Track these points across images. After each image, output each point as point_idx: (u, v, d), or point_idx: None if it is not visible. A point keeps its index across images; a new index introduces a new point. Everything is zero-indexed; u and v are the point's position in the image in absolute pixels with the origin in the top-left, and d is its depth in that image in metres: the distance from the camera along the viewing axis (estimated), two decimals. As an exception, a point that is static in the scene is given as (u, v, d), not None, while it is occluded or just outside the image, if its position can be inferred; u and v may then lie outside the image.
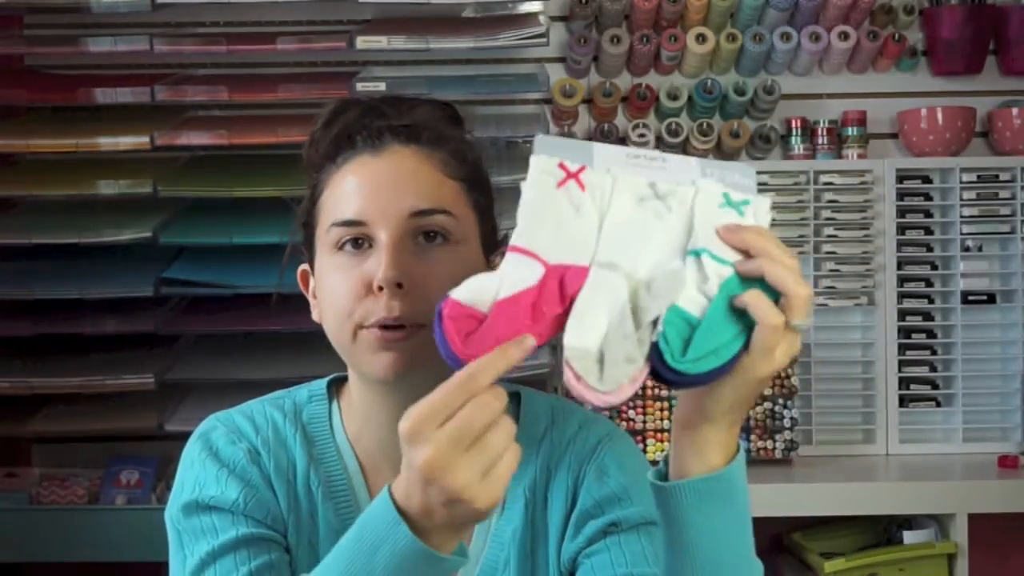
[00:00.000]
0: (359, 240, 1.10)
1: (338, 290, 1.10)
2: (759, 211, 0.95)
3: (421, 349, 1.08)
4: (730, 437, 0.96)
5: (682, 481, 0.95)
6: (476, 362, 0.87)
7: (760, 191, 0.96)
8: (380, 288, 1.07)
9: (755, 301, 0.89)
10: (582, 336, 0.89)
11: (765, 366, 0.91)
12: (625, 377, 0.89)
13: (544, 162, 0.93)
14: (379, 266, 1.07)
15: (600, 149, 0.94)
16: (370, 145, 1.13)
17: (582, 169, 0.93)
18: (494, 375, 0.87)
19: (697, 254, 0.91)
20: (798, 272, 0.91)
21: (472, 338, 0.88)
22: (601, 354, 0.89)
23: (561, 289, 0.90)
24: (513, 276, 0.90)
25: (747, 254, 0.91)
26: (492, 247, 1.19)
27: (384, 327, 1.08)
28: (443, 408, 0.86)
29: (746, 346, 0.91)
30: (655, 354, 0.89)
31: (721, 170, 0.95)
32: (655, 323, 0.90)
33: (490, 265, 1.18)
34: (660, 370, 0.89)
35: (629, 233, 0.92)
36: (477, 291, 0.90)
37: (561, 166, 0.92)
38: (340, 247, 1.11)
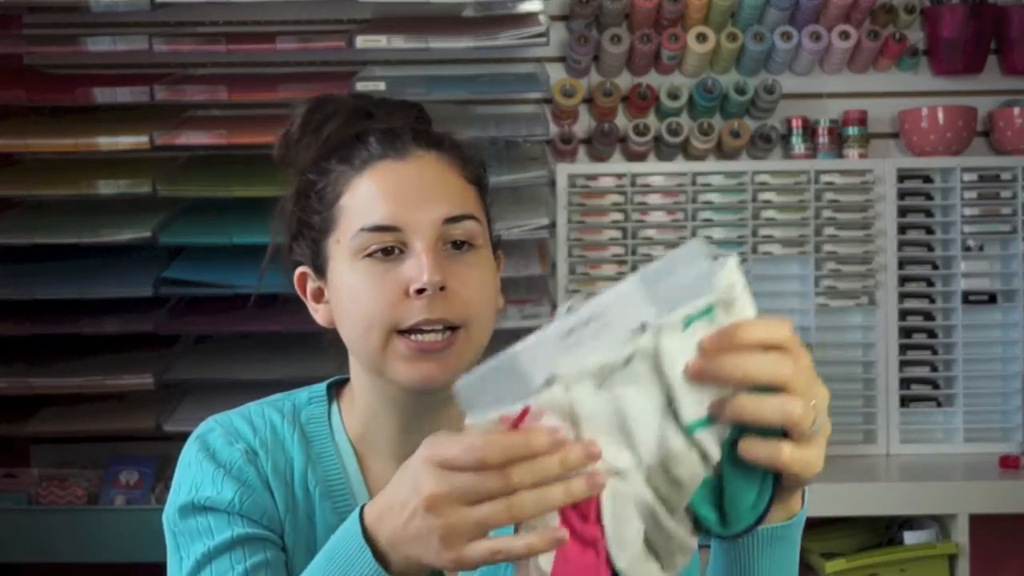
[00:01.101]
0: (390, 246, 1.10)
1: (367, 295, 1.09)
2: (727, 297, 0.83)
3: (457, 358, 1.09)
4: (799, 491, 0.96)
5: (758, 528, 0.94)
6: (530, 437, 0.81)
7: (728, 257, 0.84)
8: (419, 292, 1.07)
9: (751, 453, 0.83)
10: (629, 554, 0.83)
11: (810, 471, 0.86)
12: (684, 558, 0.86)
13: (483, 425, 0.81)
14: (421, 271, 1.07)
15: (527, 356, 0.80)
16: (392, 149, 1.13)
17: (526, 411, 0.80)
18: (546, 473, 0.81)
19: (691, 431, 0.82)
20: (779, 366, 0.82)
21: None
22: (651, 548, 0.84)
23: (582, 516, 0.83)
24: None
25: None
26: (496, 249, 1.20)
27: (421, 332, 1.08)
28: (474, 461, 0.82)
29: (779, 475, 0.85)
30: (699, 523, 0.85)
31: (669, 276, 0.81)
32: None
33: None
34: (713, 536, 0.86)
35: (610, 429, 0.82)
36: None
37: (503, 419, 0.81)
38: (369, 253, 1.10)
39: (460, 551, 0.84)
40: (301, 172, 1.18)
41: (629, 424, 0.82)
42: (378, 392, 1.15)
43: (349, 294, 1.11)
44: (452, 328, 1.09)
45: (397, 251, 1.10)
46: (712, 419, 0.83)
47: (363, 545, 0.90)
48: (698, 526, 0.86)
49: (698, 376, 0.81)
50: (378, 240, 1.09)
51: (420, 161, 1.13)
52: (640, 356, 0.81)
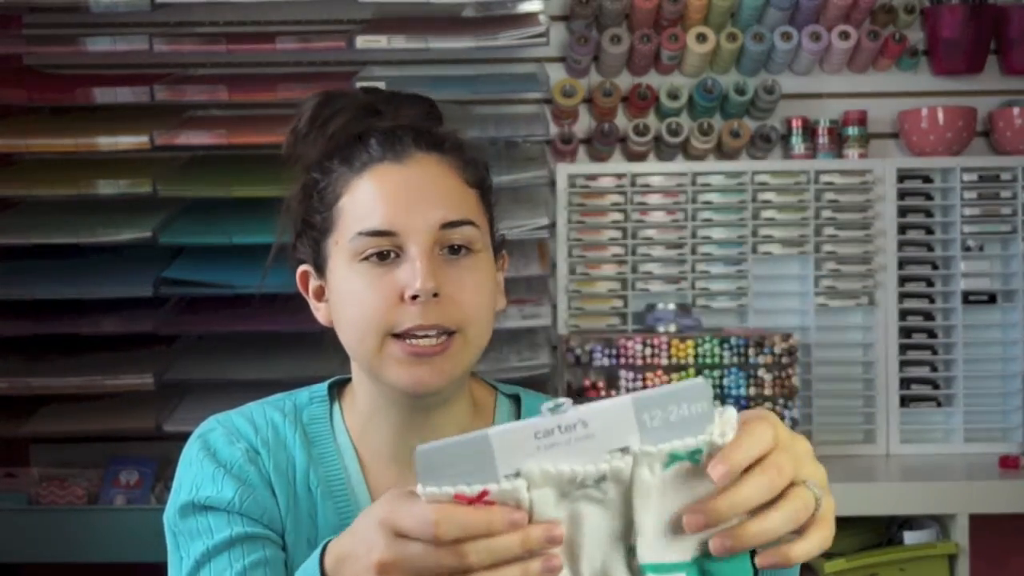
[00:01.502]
0: (387, 250, 1.10)
1: (364, 299, 1.09)
2: (719, 444, 0.79)
3: (452, 362, 1.09)
4: None
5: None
6: (490, 515, 0.77)
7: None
8: (413, 297, 1.07)
9: (768, 563, 0.81)
10: None
11: (823, 549, 0.83)
12: None
13: (436, 497, 0.77)
14: (415, 276, 1.07)
15: (500, 442, 0.76)
16: (391, 151, 1.12)
17: (484, 493, 0.77)
18: (503, 553, 0.78)
19: (643, 572, 0.79)
20: (771, 482, 0.79)
21: None
22: None
23: None
24: None
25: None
26: (498, 250, 1.20)
27: (416, 337, 1.07)
28: (428, 536, 0.78)
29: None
30: None
31: (664, 407, 0.78)
32: None
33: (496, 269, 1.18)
34: None
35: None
36: None
37: (458, 497, 0.77)
38: (366, 256, 1.10)
39: None
40: (306, 169, 1.17)
41: (579, 540, 0.79)
42: (377, 393, 1.15)
43: (346, 297, 1.11)
44: (448, 333, 1.08)
45: (393, 255, 1.09)
46: (679, 565, 0.80)
47: None
48: None
49: (698, 527, 0.78)
50: (374, 244, 1.09)
51: (419, 164, 1.12)
52: (612, 478, 0.78)
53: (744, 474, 0.79)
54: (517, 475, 0.77)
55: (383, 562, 0.81)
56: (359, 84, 2.57)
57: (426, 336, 1.08)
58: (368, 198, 1.11)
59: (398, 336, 1.08)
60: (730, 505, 0.78)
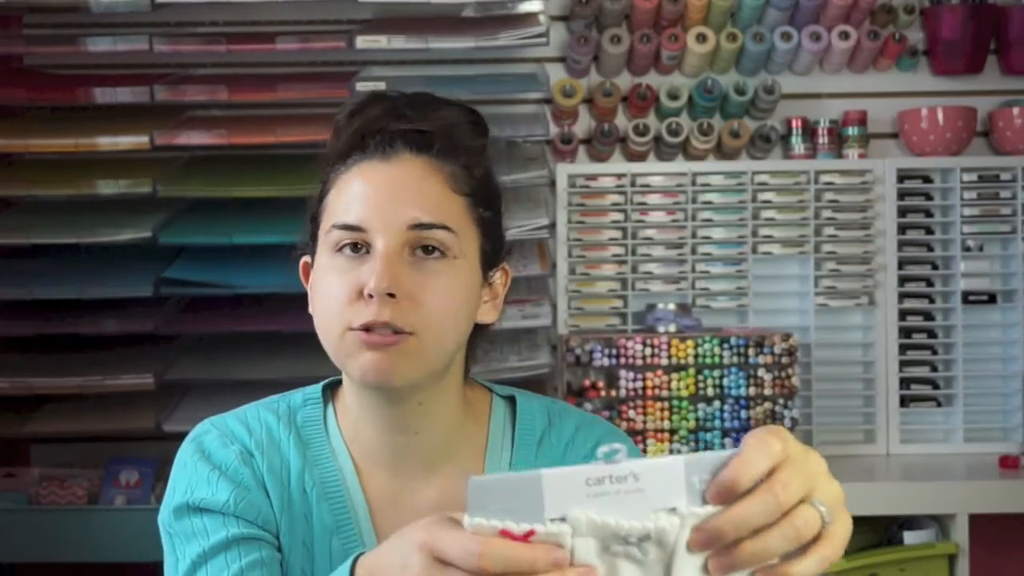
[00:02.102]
0: (358, 245, 1.10)
1: (332, 291, 1.11)
2: None
3: (407, 357, 1.08)
4: None
5: None
6: (535, 552, 0.76)
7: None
8: (371, 296, 1.07)
9: None
10: None
11: (827, 566, 0.82)
12: None
13: (482, 529, 0.77)
14: (372, 274, 1.08)
15: (551, 483, 0.76)
16: (381, 150, 1.13)
17: (531, 533, 0.76)
18: None
19: None
20: (774, 503, 0.78)
21: None
22: None
23: None
24: None
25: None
26: (493, 262, 1.18)
27: (370, 329, 1.08)
28: (472, 568, 0.77)
29: None
30: None
31: (712, 472, 0.78)
32: None
33: (487, 281, 1.17)
34: None
35: None
36: None
37: (504, 533, 0.76)
38: (339, 249, 1.11)
39: None
40: (327, 167, 1.19)
41: None
42: (359, 389, 1.16)
43: (320, 288, 1.13)
44: (402, 333, 1.08)
45: (364, 250, 1.10)
46: None
47: None
48: None
49: (701, 545, 0.78)
50: (346, 238, 1.10)
51: (404, 164, 1.12)
52: (656, 540, 0.78)
53: (749, 493, 0.78)
54: (563, 520, 0.77)
55: None
56: (357, 84, 2.56)
57: (380, 330, 1.08)
58: (348, 193, 1.12)
59: (355, 330, 1.09)
60: (732, 523, 0.77)
